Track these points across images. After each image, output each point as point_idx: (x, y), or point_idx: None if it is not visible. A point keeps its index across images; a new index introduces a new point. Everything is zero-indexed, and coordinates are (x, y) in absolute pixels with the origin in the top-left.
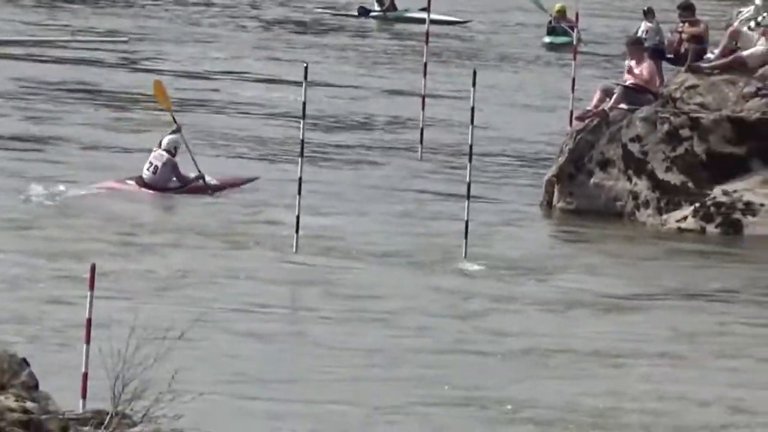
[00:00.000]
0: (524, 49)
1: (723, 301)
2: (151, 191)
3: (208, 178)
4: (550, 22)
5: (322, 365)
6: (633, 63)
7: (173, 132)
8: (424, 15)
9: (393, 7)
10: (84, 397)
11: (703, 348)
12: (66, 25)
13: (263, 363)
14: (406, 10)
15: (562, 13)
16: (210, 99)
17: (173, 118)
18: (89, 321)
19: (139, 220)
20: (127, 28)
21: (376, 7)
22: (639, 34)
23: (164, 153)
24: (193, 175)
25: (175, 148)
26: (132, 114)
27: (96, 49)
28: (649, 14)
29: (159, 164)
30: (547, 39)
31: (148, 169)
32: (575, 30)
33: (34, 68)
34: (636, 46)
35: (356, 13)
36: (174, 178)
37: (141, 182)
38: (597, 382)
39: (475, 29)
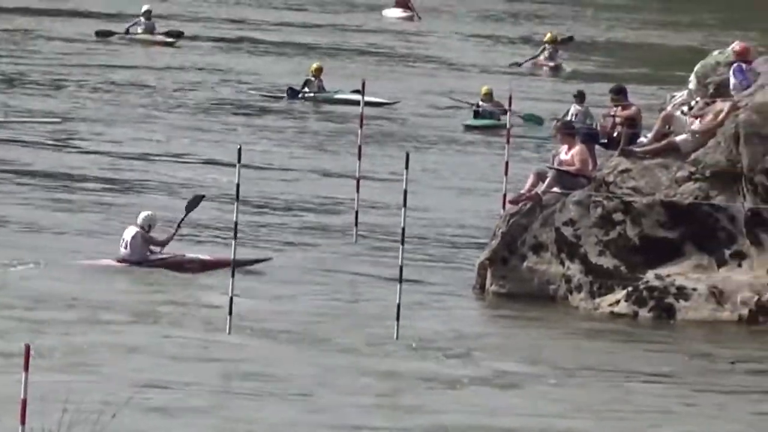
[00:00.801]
0: (455, 132)
1: (641, 382)
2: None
3: (203, 256)
4: (477, 104)
5: None
6: (565, 147)
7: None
8: (354, 96)
9: (322, 88)
10: None
11: (609, 425)
12: None
13: None
14: (337, 92)
15: (488, 95)
16: (144, 180)
17: None
18: (24, 402)
19: (75, 296)
20: (58, 108)
21: (305, 89)
22: (569, 116)
23: (134, 228)
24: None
25: (150, 226)
26: (69, 195)
27: (28, 130)
28: (579, 97)
29: (129, 239)
30: (468, 121)
31: (122, 246)
32: (508, 113)
33: None
34: (567, 131)
35: (285, 95)
36: (150, 250)
37: (120, 260)
38: None
39: (404, 111)
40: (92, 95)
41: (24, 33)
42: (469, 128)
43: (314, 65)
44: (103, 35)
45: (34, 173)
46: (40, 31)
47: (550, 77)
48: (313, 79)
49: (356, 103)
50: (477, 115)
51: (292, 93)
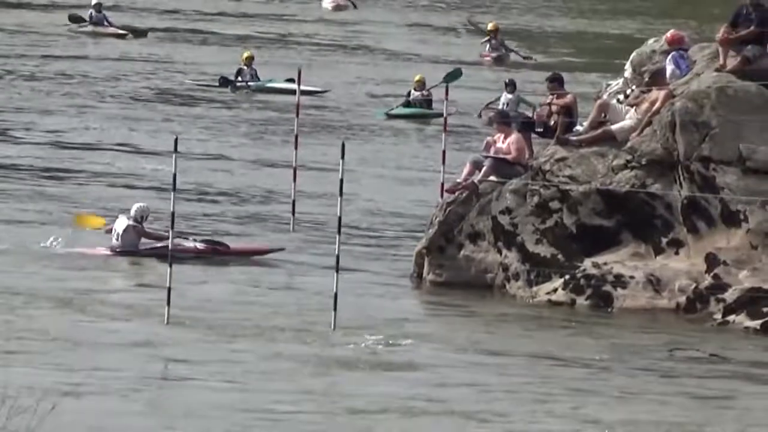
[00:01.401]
0: (387, 121)
1: (579, 368)
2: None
3: (199, 245)
4: (409, 93)
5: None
6: (501, 136)
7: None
8: (286, 85)
9: (255, 77)
10: None
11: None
12: None
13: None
14: (270, 81)
15: (421, 83)
16: (81, 170)
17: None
18: None
19: (8, 285)
20: None
21: (238, 78)
22: (500, 105)
23: (127, 220)
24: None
25: (142, 217)
26: (4, 184)
27: None
28: (510, 86)
29: (120, 231)
30: (392, 110)
31: (113, 237)
32: (444, 103)
33: None
34: (503, 120)
35: (217, 84)
36: (141, 241)
37: (112, 249)
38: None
39: (338, 100)
40: (29, 85)
41: None
42: (391, 117)
43: (245, 53)
44: (75, 20)
45: None
46: None
47: (493, 67)
48: (245, 67)
49: (288, 92)
50: (408, 104)
51: (225, 81)
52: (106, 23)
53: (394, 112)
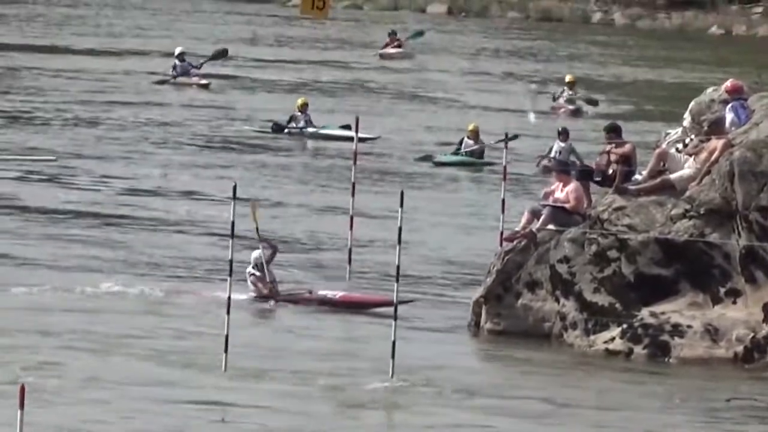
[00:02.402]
0: (440, 168)
1: (638, 420)
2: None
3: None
4: (461, 141)
5: None
6: (560, 185)
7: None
8: (340, 132)
9: (309, 123)
10: None
11: None
12: None
13: None
14: (324, 127)
15: (475, 132)
16: (138, 216)
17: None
18: None
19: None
20: (55, 145)
21: (292, 124)
22: (552, 153)
23: (251, 269)
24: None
25: (257, 265)
26: (65, 230)
27: (25, 165)
28: (563, 134)
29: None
30: (442, 158)
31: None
32: (504, 152)
33: None
34: (561, 169)
35: (270, 130)
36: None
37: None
38: None
39: (393, 146)
40: (88, 131)
41: (24, 70)
42: (439, 165)
43: (300, 100)
44: (161, 83)
45: (28, 209)
46: (41, 69)
47: (569, 119)
48: (299, 114)
49: (342, 138)
50: (458, 152)
51: (277, 128)
52: (192, 70)
53: (443, 159)
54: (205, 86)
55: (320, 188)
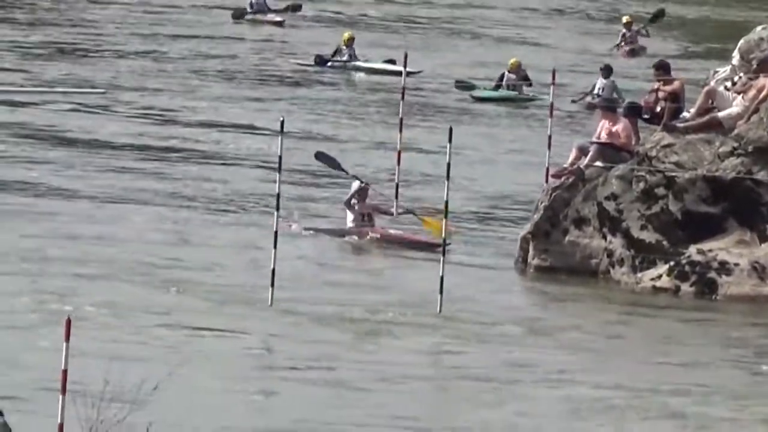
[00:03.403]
0: (482, 104)
1: (682, 357)
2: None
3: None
4: (502, 76)
5: (293, 428)
6: (607, 122)
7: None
8: (382, 66)
9: (353, 57)
10: None
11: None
12: (40, 74)
13: (234, 421)
14: (367, 60)
15: (516, 66)
16: (184, 148)
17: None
18: (65, 372)
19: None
20: (99, 77)
21: (336, 57)
22: (595, 90)
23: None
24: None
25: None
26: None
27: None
28: (605, 71)
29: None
30: (480, 93)
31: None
32: (551, 88)
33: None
34: (608, 107)
35: (313, 62)
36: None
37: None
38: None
39: (429, 81)
40: (129, 66)
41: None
42: (478, 100)
43: (346, 34)
44: (238, 16)
45: (76, 140)
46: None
47: (629, 59)
48: (344, 48)
49: (385, 72)
50: (498, 87)
51: (320, 61)
52: (266, 9)
53: (482, 95)
54: (280, 23)
55: (363, 123)
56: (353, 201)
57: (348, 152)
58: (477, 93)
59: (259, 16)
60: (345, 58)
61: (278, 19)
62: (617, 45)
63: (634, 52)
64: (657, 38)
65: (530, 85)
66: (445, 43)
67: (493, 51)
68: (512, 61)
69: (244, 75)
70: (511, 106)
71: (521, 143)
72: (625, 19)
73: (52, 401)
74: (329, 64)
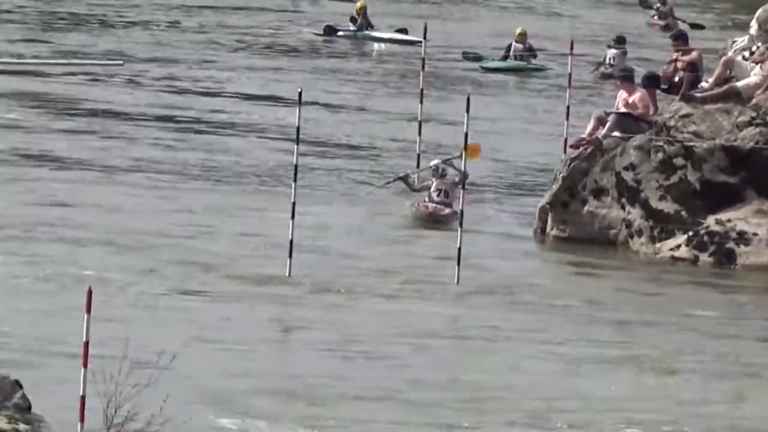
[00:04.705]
0: (491, 75)
1: (702, 327)
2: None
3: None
4: (509, 46)
5: (311, 391)
6: (625, 93)
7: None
8: (391, 35)
9: (365, 26)
10: (82, 420)
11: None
12: (60, 45)
13: (253, 387)
14: (377, 30)
15: (522, 36)
16: (200, 119)
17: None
18: (86, 344)
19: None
20: (118, 49)
21: (351, 26)
22: (606, 60)
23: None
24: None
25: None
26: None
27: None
28: (617, 41)
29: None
30: (489, 63)
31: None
32: (569, 58)
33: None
34: (626, 77)
35: (321, 32)
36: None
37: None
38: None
39: (455, 54)
40: (147, 38)
41: None
42: (487, 70)
43: (359, 3)
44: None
45: (95, 111)
46: None
47: (662, 34)
48: (357, 17)
49: (396, 41)
50: (506, 57)
51: (330, 30)
52: None
53: (491, 65)
54: None
55: (376, 93)
56: (439, 170)
57: (364, 123)
58: (486, 63)
59: None
60: (354, 27)
61: None
62: (652, 18)
63: (668, 27)
64: (678, 9)
65: (535, 56)
66: (459, 13)
67: (509, 21)
68: (519, 30)
69: (261, 45)
70: (520, 75)
71: (535, 113)
72: None
73: (69, 369)
74: (339, 33)
